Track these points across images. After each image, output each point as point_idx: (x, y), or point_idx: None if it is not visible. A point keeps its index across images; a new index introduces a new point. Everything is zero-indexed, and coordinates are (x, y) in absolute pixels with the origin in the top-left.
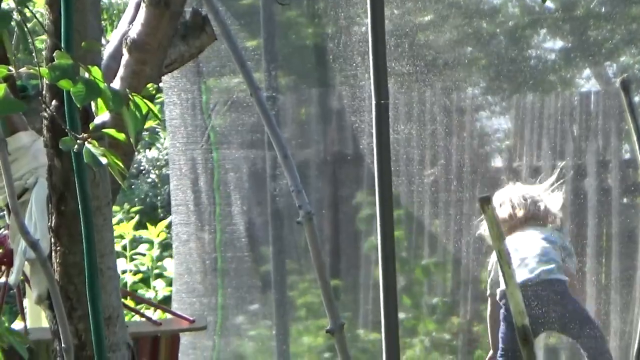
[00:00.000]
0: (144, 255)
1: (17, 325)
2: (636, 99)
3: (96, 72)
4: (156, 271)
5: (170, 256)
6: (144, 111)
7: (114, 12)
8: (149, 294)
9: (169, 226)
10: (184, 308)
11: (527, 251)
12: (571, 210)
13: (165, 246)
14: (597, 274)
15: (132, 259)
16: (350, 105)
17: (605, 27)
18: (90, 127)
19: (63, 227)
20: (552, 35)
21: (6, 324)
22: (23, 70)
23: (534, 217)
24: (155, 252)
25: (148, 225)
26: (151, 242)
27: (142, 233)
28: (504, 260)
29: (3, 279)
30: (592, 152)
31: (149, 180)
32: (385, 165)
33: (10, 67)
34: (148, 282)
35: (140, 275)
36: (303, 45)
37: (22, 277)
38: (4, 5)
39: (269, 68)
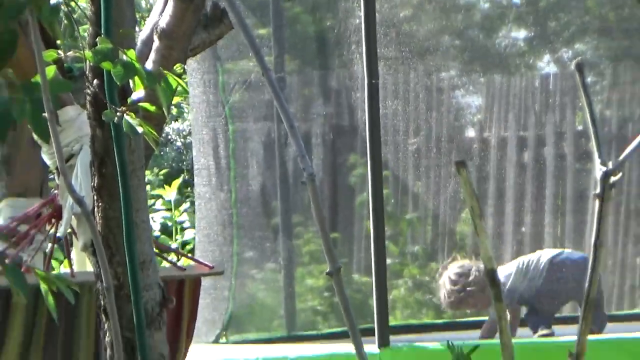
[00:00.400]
0: (158, 211)
1: (65, 270)
2: (588, 79)
3: (132, 54)
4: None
5: (185, 212)
6: (174, 87)
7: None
8: (174, 245)
9: (180, 186)
10: (205, 255)
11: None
12: (532, 174)
13: (178, 203)
14: (553, 228)
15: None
16: (347, 85)
17: (563, 18)
18: (128, 102)
19: (104, 187)
20: (517, 26)
21: (56, 269)
22: (70, 54)
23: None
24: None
25: (165, 186)
26: (169, 202)
27: (161, 192)
28: (476, 214)
29: (53, 231)
30: (551, 124)
31: (176, 148)
32: (375, 135)
33: (59, 51)
34: (170, 234)
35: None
36: (307, 34)
37: (69, 229)
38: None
39: (278, 53)
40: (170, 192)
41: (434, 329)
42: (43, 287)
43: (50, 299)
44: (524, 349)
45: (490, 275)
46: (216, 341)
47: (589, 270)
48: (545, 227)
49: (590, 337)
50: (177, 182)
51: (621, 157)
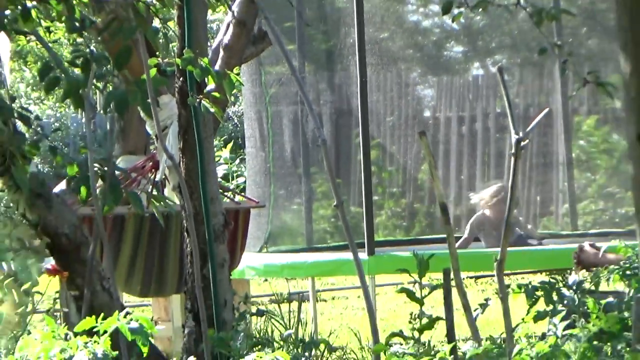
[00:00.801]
0: (220, 164)
1: None
2: (506, 77)
3: (206, 61)
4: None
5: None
6: (234, 82)
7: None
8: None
9: (233, 148)
10: (252, 193)
11: None
12: (468, 140)
13: (233, 159)
14: (482, 176)
15: None
16: (346, 82)
17: (487, 39)
18: (204, 92)
19: (187, 148)
20: (457, 43)
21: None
22: (165, 60)
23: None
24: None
25: (222, 148)
26: (225, 158)
27: (220, 153)
28: (432, 166)
29: (153, 177)
30: (480, 108)
31: (233, 123)
32: (365, 115)
33: (158, 59)
34: (228, 180)
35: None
36: (319, 48)
37: (164, 176)
38: (154, 25)
39: (301, 61)
40: (225, 152)
41: (404, 243)
42: (153, 205)
43: (158, 211)
44: (464, 257)
45: (441, 206)
46: (260, 251)
47: (507, 204)
48: (477, 176)
49: (509, 249)
50: (229, 146)
51: (527, 130)
